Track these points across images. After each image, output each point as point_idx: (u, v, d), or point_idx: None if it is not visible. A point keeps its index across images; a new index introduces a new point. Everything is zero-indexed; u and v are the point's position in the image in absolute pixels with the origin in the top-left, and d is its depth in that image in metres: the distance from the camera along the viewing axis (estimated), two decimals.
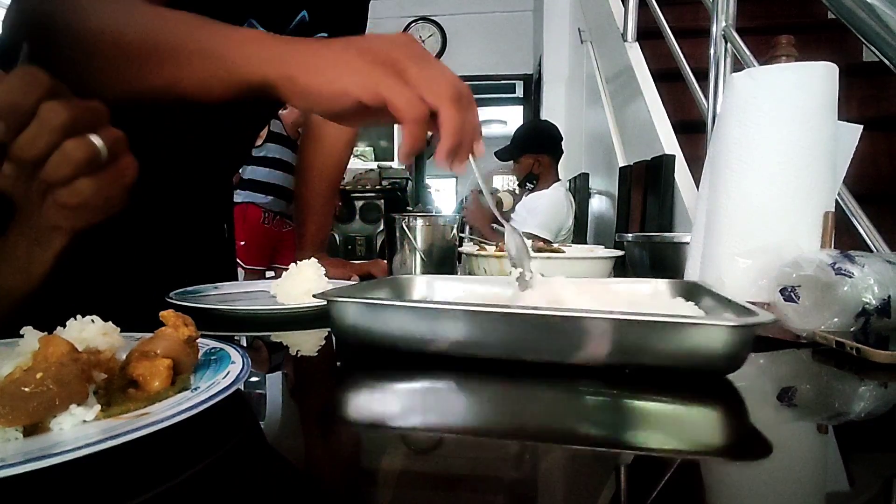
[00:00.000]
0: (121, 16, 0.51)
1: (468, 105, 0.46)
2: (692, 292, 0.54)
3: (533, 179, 2.57)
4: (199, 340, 0.38)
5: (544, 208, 2.45)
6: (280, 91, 0.46)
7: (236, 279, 1.10)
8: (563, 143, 2.64)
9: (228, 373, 0.34)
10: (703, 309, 0.49)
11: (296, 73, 0.45)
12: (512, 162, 2.66)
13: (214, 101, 0.49)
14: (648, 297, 0.57)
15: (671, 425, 0.35)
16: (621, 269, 1.01)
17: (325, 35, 0.88)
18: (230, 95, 0.48)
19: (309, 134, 1.04)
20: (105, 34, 0.50)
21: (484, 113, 7.14)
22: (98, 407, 0.29)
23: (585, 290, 0.52)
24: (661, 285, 0.59)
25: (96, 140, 0.40)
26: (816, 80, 0.62)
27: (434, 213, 1.29)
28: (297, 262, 0.70)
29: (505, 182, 3.58)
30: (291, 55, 0.46)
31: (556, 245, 1.09)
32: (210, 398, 0.29)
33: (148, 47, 0.49)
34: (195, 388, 0.32)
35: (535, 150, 2.55)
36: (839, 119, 0.65)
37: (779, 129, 0.63)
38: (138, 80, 0.50)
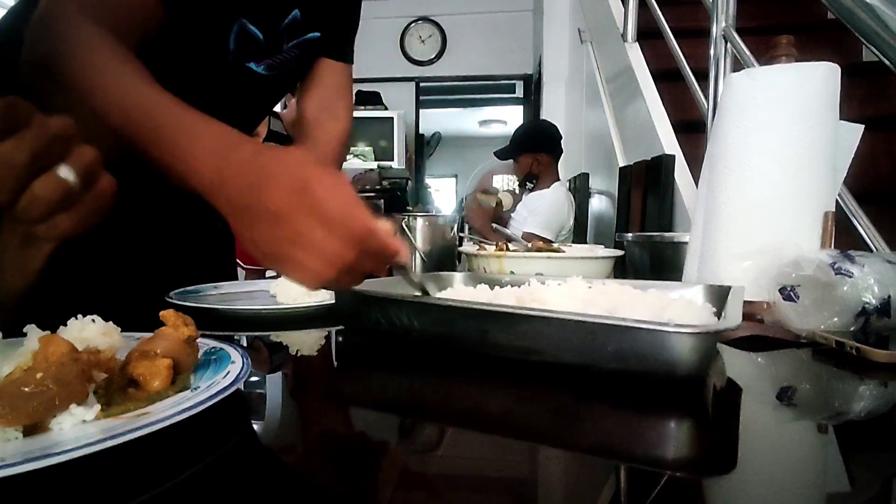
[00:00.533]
0: (109, 90, 0.53)
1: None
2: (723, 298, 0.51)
3: (532, 179, 2.58)
4: (199, 340, 0.38)
5: (545, 208, 2.45)
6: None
7: (236, 279, 1.10)
8: (563, 142, 2.64)
9: (228, 372, 0.34)
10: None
11: (224, 210, 0.45)
12: (512, 161, 2.67)
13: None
14: (670, 302, 0.55)
15: (671, 425, 0.35)
16: (621, 269, 1.01)
17: (318, 35, 0.88)
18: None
19: (301, 134, 1.04)
20: (89, 99, 0.53)
21: (484, 113, 7.21)
22: (98, 407, 0.29)
23: (600, 292, 0.52)
24: (695, 290, 0.55)
25: (67, 174, 0.37)
26: (816, 80, 0.62)
27: (434, 213, 1.29)
28: None
29: (505, 182, 3.58)
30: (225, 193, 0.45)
31: (556, 245, 1.09)
32: (210, 398, 0.29)
33: (125, 127, 0.51)
34: (195, 388, 0.32)
35: (534, 149, 2.55)
36: (839, 119, 0.65)
37: (778, 129, 0.63)
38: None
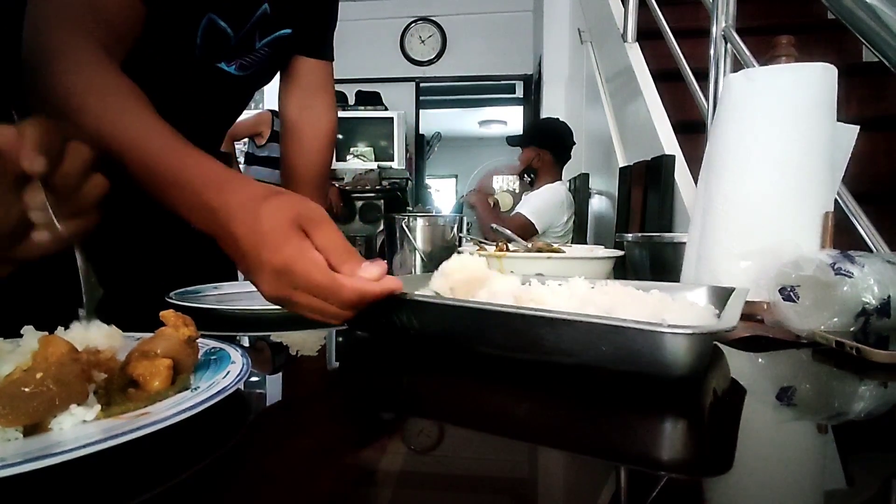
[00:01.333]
0: (98, 114, 0.53)
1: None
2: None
3: (531, 173, 2.58)
4: (200, 340, 0.38)
5: (540, 195, 2.46)
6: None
7: (236, 279, 1.10)
8: (572, 148, 2.63)
9: (228, 373, 0.34)
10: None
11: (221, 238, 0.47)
12: (514, 159, 2.69)
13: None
14: (672, 303, 0.53)
15: (670, 425, 0.35)
16: (621, 269, 1.01)
17: (289, 32, 0.86)
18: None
19: (287, 133, 1.03)
20: (79, 121, 0.53)
21: (484, 113, 7.22)
22: (98, 407, 0.29)
23: (601, 293, 0.51)
24: (698, 292, 0.55)
25: (60, 227, 0.38)
26: (813, 80, 0.62)
27: (434, 213, 1.29)
28: None
29: (505, 182, 3.58)
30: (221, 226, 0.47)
31: (556, 245, 1.09)
32: (210, 398, 0.29)
33: (113, 151, 0.51)
34: (195, 388, 0.32)
35: (539, 143, 2.56)
36: (838, 119, 0.65)
37: (775, 129, 0.63)
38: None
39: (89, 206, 0.40)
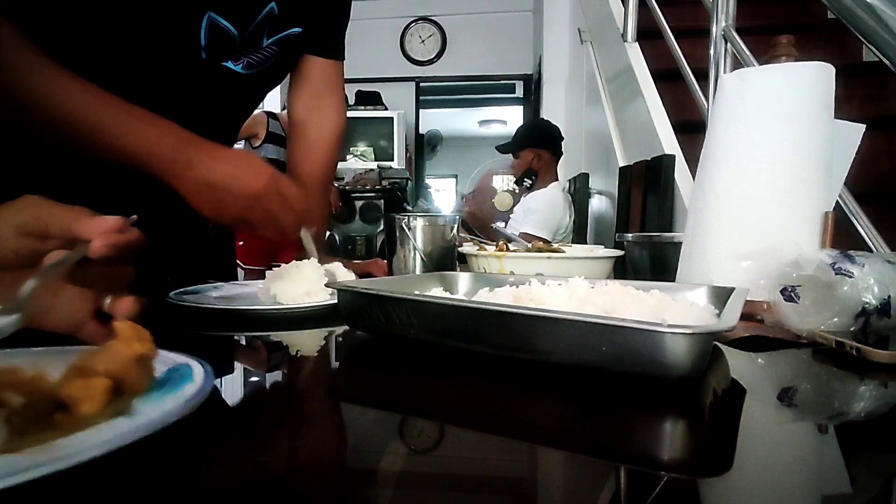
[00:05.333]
0: (35, 87, 0.58)
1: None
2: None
3: (532, 175, 2.58)
4: (170, 356, 0.34)
5: (541, 207, 2.46)
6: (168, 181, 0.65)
7: (236, 279, 1.10)
8: (563, 143, 2.65)
9: (180, 396, 0.28)
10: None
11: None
12: (512, 158, 2.68)
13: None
14: (672, 303, 0.53)
15: (670, 425, 0.35)
16: (621, 269, 1.01)
17: (298, 31, 0.85)
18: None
19: (293, 133, 1.02)
20: (17, 98, 0.57)
21: (484, 113, 7.22)
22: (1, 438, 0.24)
23: (601, 293, 0.51)
24: (698, 292, 0.55)
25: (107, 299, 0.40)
26: (808, 80, 0.62)
27: (434, 213, 1.29)
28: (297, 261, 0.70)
29: (505, 182, 3.58)
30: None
31: (555, 245, 1.09)
32: (142, 427, 0.24)
33: (64, 125, 0.58)
34: (132, 415, 0.27)
35: (537, 144, 2.56)
36: (840, 119, 0.65)
37: (769, 129, 0.63)
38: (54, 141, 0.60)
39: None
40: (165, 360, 0.34)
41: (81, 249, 0.38)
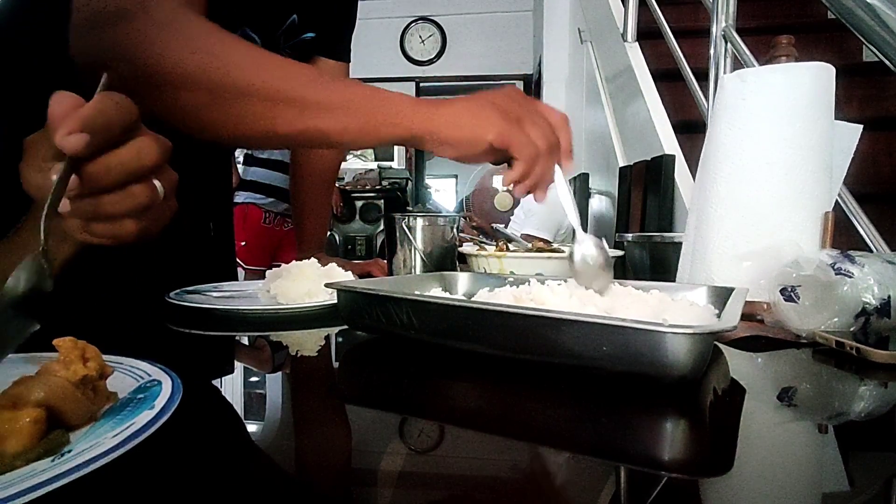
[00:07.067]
0: (249, 64, 0.54)
1: (561, 138, 0.60)
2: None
3: None
4: (148, 368, 0.31)
5: (541, 208, 2.46)
6: (425, 143, 0.56)
7: (236, 279, 1.10)
8: None
9: (132, 424, 0.24)
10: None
11: (440, 129, 0.55)
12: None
13: (353, 148, 0.56)
14: (672, 303, 0.53)
15: (670, 426, 0.35)
16: (621, 269, 1.01)
17: (312, 35, 0.89)
18: (370, 144, 0.60)
19: None
20: (229, 79, 0.53)
21: None
22: None
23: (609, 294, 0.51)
24: (698, 292, 0.55)
25: (159, 186, 0.36)
26: (807, 80, 0.62)
27: (434, 213, 1.29)
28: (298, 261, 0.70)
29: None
30: (436, 114, 0.55)
31: (556, 245, 1.09)
32: (67, 473, 0.20)
33: (282, 97, 0.53)
34: (64, 453, 0.23)
35: None
36: (839, 119, 0.65)
37: (768, 130, 0.63)
38: (261, 122, 0.54)
39: (161, 222, 0.39)
40: (141, 373, 0.30)
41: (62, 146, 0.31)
